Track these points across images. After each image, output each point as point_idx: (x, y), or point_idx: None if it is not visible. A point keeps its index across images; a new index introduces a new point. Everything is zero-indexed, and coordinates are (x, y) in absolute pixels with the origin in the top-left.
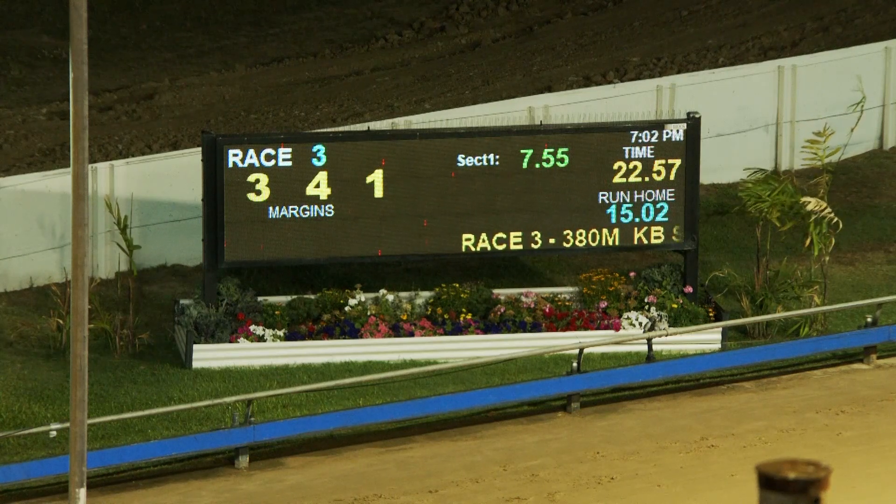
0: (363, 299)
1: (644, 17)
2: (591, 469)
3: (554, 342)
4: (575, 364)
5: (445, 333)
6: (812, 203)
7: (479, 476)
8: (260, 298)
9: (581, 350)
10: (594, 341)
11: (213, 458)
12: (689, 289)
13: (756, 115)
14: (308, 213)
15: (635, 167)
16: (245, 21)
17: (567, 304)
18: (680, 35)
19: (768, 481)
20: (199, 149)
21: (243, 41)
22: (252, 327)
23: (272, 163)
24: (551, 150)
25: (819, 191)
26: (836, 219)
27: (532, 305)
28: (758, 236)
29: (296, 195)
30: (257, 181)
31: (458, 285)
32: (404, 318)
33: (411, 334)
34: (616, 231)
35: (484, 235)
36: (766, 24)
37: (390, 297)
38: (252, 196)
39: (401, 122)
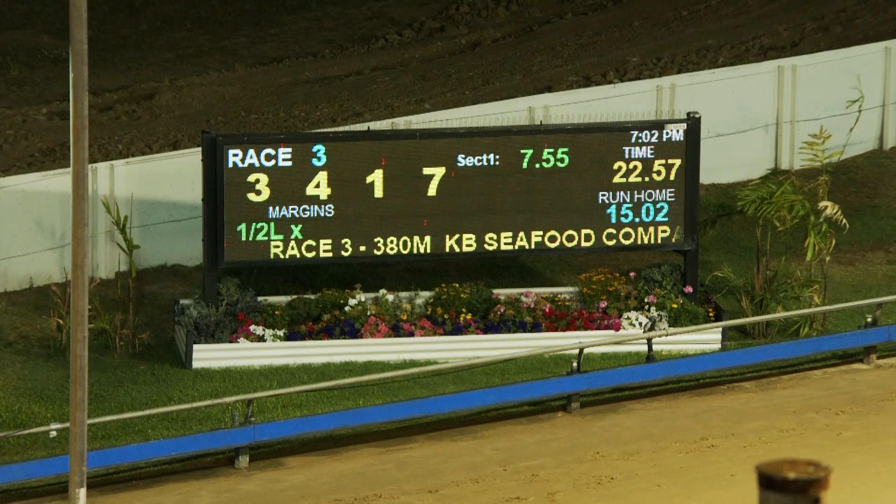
0: (363, 299)
1: (644, 17)
2: (591, 469)
3: (554, 342)
4: (575, 364)
5: (445, 333)
6: (829, 207)
7: (479, 476)
8: (260, 298)
9: (581, 350)
10: (594, 341)
11: (213, 458)
12: (689, 289)
13: (756, 115)
14: (308, 213)
15: (635, 167)
16: (245, 21)
17: (567, 304)
18: (680, 35)
19: (768, 481)
20: (199, 149)
21: (243, 41)
22: (252, 327)
23: (272, 163)
24: (551, 150)
25: (819, 191)
26: (844, 221)
27: (532, 305)
28: (758, 236)
29: (296, 195)
30: (257, 181)
31: (458, 285)
32: (404, 318)
33: (411, 334)
34: (616, 231)
35: (484, 235)
36: (766, 24)
37: (390, 297)
38: (252, 196)
39: (401, 122)
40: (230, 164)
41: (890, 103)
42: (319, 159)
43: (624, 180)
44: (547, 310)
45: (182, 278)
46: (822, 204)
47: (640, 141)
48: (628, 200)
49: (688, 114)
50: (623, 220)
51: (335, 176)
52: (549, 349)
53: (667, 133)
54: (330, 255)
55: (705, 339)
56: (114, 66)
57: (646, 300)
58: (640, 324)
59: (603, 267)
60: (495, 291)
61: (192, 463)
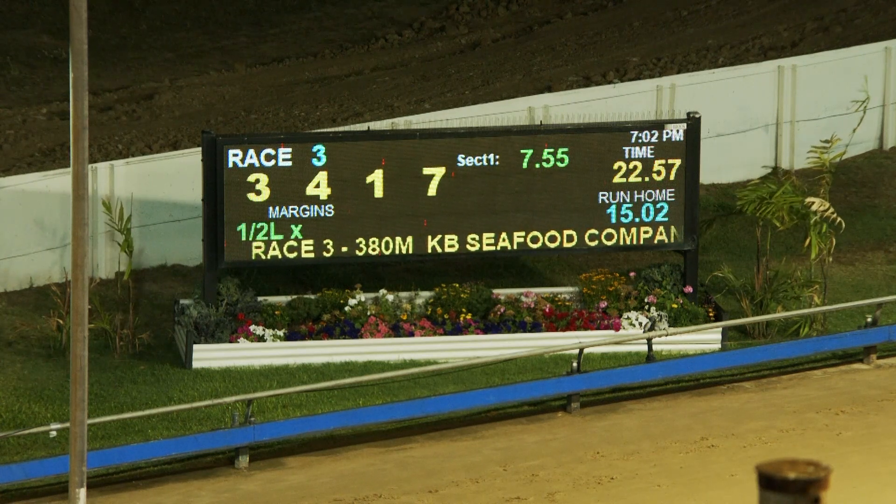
0: (363, 299)
1: (644, 17)
2: (591, 469)
3: (554, 342)
4: (575, 364)
5: (445, 333)
6: (816, 203)
7: (479, 476)
8: (260, 298)
9: (581, 350)
10: (594, 341)
11: (213, 458)
12: (689, 289)
13: (756, 115)
14: (308, 213)
15: (635, 167)
16: (245, 21)
17: (567, 304)
18: (680, 35)
19: (768, 481)
20: (199, 149)
21: (243, 41)
22: (252, 327)
23: (272, 163)
24: (551, 150)
25: (819, 191)
26: (839, 219)
27: (532, 305)
28: (758, 236)
29: (296, 195)
30: (257, 181)
31: (458, 285)
32: (404, 318)
33: (411, 334)
34: (616, 231)
35: (484, 235)
36: (766, 24)
37: (390, 297)
38: (252, 196)
39: (401, 122)
40: (230, 164)
41: (890, 103)
42: (319, 159)
43: (624, 180)
44: (547, 310)
45: (182, 278)
46: (809, 200)
47: (640, 141)
48: (628, 200)
49: (688, 114)
50: (623, 220)
51: (335, 176)
52: (549, 349)
53: (667, 133)
54: (330, 254)
55: (705, 339)
56: (114, 66)
57: (646, 300)
58: (640, 324)
59: (603, 267)
60: (495, 291)
61: (192, 463)
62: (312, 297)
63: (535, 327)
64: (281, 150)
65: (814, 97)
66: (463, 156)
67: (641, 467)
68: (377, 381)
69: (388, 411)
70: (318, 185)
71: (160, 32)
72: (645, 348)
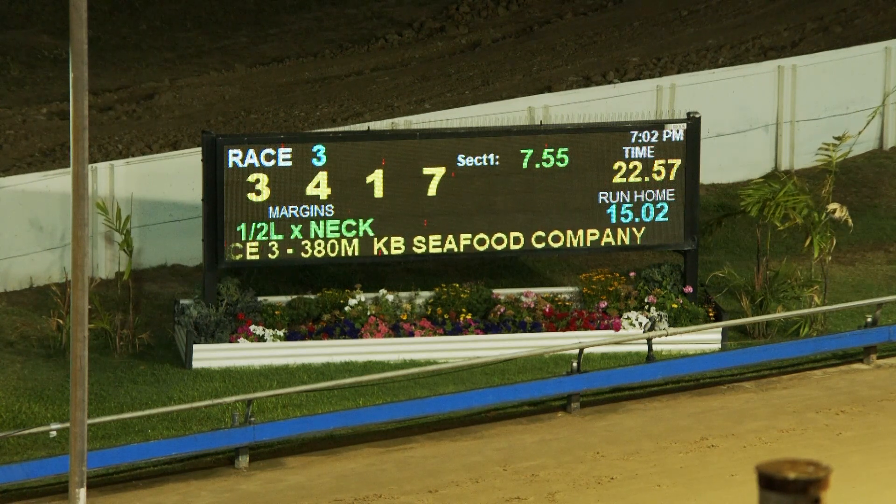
0: (363, 299)
1: (644, 17)
2: (591, 469)
3: (554, 342)
4: (575, 364)
5: (445, 333)
6: (839, 210)
7: (479, 476)
8: (260, 298)
9: (581, 350)
10: (594, 341)
11: (213, 458)
12: (689, 289)
13: (756, 115)
14: (308, 213)
15: (635, 167)
16: (245, 21)
17: (567, 304)
18: (680, 35)
19: (768, 481)
20: (199, 149)
21: (243, 41)
22: (252, 327)
23: (272, 163)
24: (551, 150)
25: (822, 191)
26: (850, 221)
27: (532, 305)
28: (758, 236)
29: (296, 195)
30: (257, 181)
31: (458, 285)
32: (404, 318)
33: (411, 334)
34: (616, 231)
35: (484, 235)
36: (766, 24)
37: (390, 297)
38: (252, 196)
39: (401, 122)
40: (230, 164)
41: (890, 103)
42: (319, 159)
43: (624, 180)
44: (547, 310)
45: (182, 278)
46: (832, 206)
47: (640, 141)
48: (628, 200)
49: (688, 114)
50: (623, 220)
51: (335, 176)
52: (549, 349)
53: (667, 133)
54: (330, 255)
55: (705, 339)
56: (114, 66)
57: (646, 300)
58: (640, 324)
59: (603, 267)
60: (495, 291)
61: (192, 463)
62: (312, 297)
63: (535, 327)
64: (281, 150)
65: (814, 97)
66: (463, 156)
67: (641, 467)
68: (377, 381)
69: (388, 411)
70: (318, 185)
71: (160, 32)
72: (645, 348)
